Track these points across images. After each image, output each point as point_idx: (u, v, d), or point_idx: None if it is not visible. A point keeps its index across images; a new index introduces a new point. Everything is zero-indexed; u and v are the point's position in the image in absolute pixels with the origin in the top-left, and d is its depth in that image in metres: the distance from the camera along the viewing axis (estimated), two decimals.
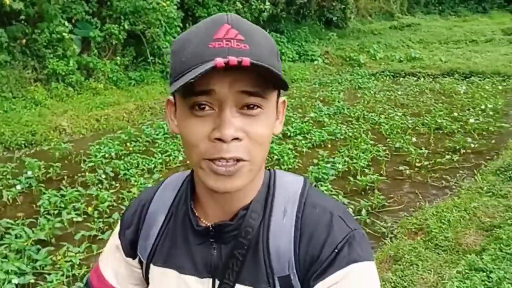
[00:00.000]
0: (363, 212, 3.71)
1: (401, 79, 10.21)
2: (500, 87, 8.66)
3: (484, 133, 5.91)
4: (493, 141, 5.58)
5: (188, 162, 0.68)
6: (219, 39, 0.60)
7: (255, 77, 0.59)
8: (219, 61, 0.55)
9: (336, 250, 0.65)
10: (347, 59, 12.41)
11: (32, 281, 3.01)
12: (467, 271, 2.32)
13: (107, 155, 5.51)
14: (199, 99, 0.61)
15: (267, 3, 11.70)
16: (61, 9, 8.62)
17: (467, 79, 9.53)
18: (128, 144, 6.03)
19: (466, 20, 20.38)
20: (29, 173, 4.94)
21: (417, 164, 4.89)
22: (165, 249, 0.76)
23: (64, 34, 8.48)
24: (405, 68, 10.93)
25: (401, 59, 12.26)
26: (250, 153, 0.63)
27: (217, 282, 0.71)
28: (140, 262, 0.80)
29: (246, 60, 0.55)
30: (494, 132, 5.98)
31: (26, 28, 8.33)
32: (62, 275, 3.00)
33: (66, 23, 8.62)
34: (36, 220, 3.79)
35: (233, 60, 0.55)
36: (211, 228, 0.70)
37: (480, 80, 9.35)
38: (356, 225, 0.70)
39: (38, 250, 3.33)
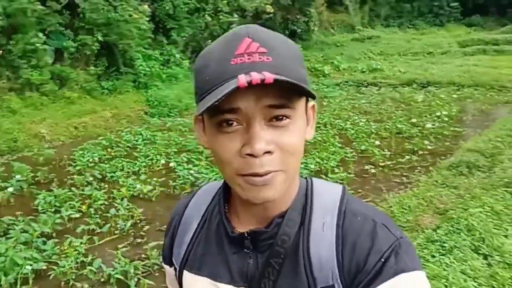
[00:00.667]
0: None
1: (364, 88, 11.01)
2: (454, 96, 9.58)
3: (439, 136, 6.66)
4: (447, 143, 6.32)
5: (222, 176, 0.69)
6: (241, 54, 0.60)
7: (280, 89, 0.59)
8: (242, 81, 0.56)
9: (383, 260, 0.64)
10: (312, 70, 13.14)
11: (44, 267, 3.33)
12: (425, 243, 2.88)
13: (91, 160, 5.81)
14: (226, 117, 0.61)
15: (235, 15, 12.26)
16: (35, 21, 8.79)
17: (424, 89, 10.44)
18: (109, 149, 6.35)
19: (424, 33, 21.77)
20: (18, 176, 5.18)
21: (380, 164, 5.53)
22: (198, 256, 0.77)
23: (38, 45, 8.65)
24: (367, 78, 11.77)
25: (363, 70, 13.13)
26: (283, 164, 0.63)
27: None
28: (175, 268, 0.81)
29: (270, 78, 0.56)
30: (448, 135, 6.74)
31: (2, 39, 8.46)
32: (72, 261, 3.33)
33: (41, 35, 8.80)
34: (36, 218, 4.08)
35: (256, 79, 0.56)
36: (246, 235, 0.70)
37: (436, 89, 10.27)
38: (401, 233, 0.68)
39: (44, 242, 3.64)
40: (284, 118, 0.61)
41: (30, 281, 3.25)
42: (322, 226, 0.69)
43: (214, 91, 0.59)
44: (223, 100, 0.57)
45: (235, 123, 0.61)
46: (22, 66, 8.63)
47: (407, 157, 5.69)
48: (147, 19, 10.02)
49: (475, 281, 2.52)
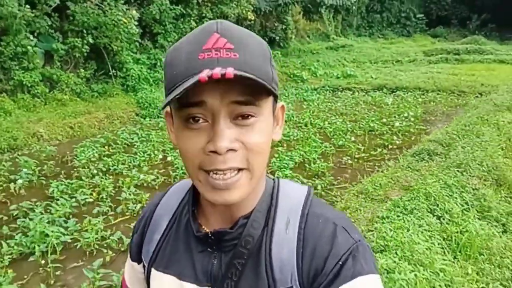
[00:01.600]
0: (319, 187, 4.95)
1: (339, 93, 11.87)
2: (420, 99, 10.52)
3: (406, 133, 7.49)
4: (412, 138, 7.15)
5: (187, 173, 0.68)
6: (208, 49, 0.60)
7: (246, 87, 0.60)
8: (202, 76, 0.56)
9: (340, 263, 0.65)
10: (291, 76, 13.93)
11: (69, 240, 3.85)
12: (391, 207, 3.58)
13: (92, 156, 6.30)
14: (192, 111, 0.62)
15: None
16: (25, 23, 9.17)
17: (393, 93, 11.37)
18: (107, 147, 6.86)
19: (393, 43, 23.06)
20: (25, 170, 5.63)
21: (356, 156, 6.27)
22: (166, 254, 0.77)
23: (28, 47, 9.03)
24: (342, 84, 12.63)
25: (338, 76, 14.02)
26: (248, 162, 0.63)
27: None
28: (144, 266, 0.82)
29: (230, 73, 0.56)
30: (414, 132, 7.58)
31: None
32: (93, 235, 3.87)
33: (31, 37, 9.19)
34: (51, 203, 4.58)
35: (216, 74, 0.56)
36: (210, 235, 0.71)
37: (404, 93, 11.21)
38: (360, 237, 0.70)
39: (65, 221, 4.15)
40: (250, 116, 0.62)
41: (58, 251, 3.77)
42: (285, 228, 0.70)
43: (181, 85, 0.60)
44: (189, 93, 0.57)
45: (201, 120, 0.62)
46: (13, 68, 9.00)
47: (379, 150, 6.48)
48: (136, 23, 10.51)
49: (429, 232, 3.25)
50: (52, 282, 3.38)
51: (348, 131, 7.63)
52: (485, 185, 4.33)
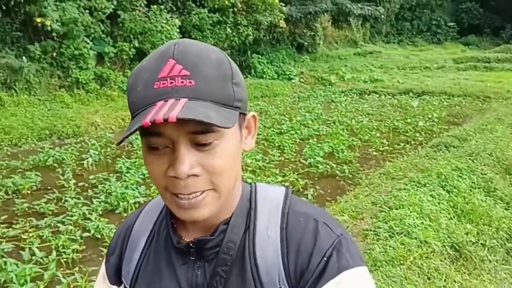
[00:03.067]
0: (346, 171, 5.80)
1: (366, 96, 12.65)
2: (445, 103, 11.21)
3: (429, 132, 8.24)
4: (434, 136, 7.88)
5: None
6: (164, 78, 0.61)
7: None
8: (145, 121, 0.57)
9: (325, 258, 0.67)
10: (320, 79, 14.80)
11: (142, 201, 4.83)
12: (408, 182, 4.40)
13: None
14: (152, 141, 0.63)
15: (250, 29, 13.90)
16: (83, 28, 10.38)
17: (419, 97, 12.07)
18: None
19: (422, 50, 23.64)
20: (91, 151, 6.69)
21: (380, 149, 7.08)
22: (148, 272, 0.77)
23: (84, 49, 10.25)
24: (369, 87, 13.42)
25: (365, 80, 14.80)
26: (212, 184, 0.64)
27: None
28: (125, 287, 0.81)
29: (172, 117, 0.56)
30: (436, 131, 8.31)
31: (55, 44, 10.03)
32: None
33: (88, 40, 10.40)
34: (121, 176, 5.58)
35: (159, 119, 0.56)
36: (191, 244, 0.72)
37: (430, 97, 11.90)
38: (342, 231, 0.71)
39: (136, 188, 5.14)
40: (209, 141, 0.62)
41: (135, 209, 4.74)
42: (267, 229, 0.71)
43: (139, 115, 0.61)
44: (149, 125, 0.57)
45: (160, 147, 0.63)
46: (71, 67, 10.23)
47: (402, 144, 7.26)
48: (177, 30, 11.64)
49: (438, 201, 4.06)
50: None
51: (374, 128, 8.43)
52: (493, 172, 5.09)
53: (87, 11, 10.27)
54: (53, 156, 6.50)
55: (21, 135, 7.66)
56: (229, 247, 0.71)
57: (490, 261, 3.50)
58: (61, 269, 3.65)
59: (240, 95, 0.66)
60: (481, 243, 3.65)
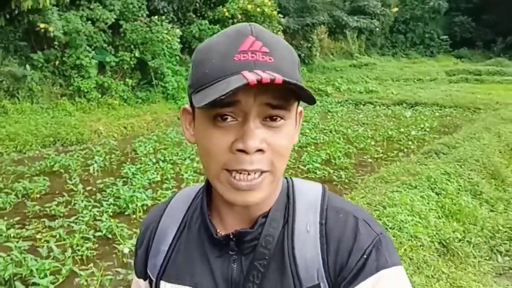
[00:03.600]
0: (343, 176, 6.15)
1: (362, 106, 13.09)
2: (437, 114, 11.65)
3: (421, 140, 8.63)
4: (426, 144, 8.27)
5: (206, 172, 0.70)
6: (244, 51, 0.62)
7: (280, 90, 0.61)
8: (252, 78, 0.57)
9: (365, 256, 0.68)
10: (316, 90, 15.23)
11: (149, 204, 5.13)
12: (400, 185, 4.76)
13: (149, 149, 7.64)
14: (224, 110, 0.62)
15: None
16: (85, 38, 10.73)
17: (412, 108, 12.52)
18: (159, 143, 8.20)
19: (415, 62, 24.22)
20: (96, 158, 7.00)
21: (375, 156, 7.46)
22: (178, 264, 0.77)
23: (86, 58, 10.58)
24: (364, 98, 13.87)
25: (361, 91, 15.26)
26: (272, 165, 0.65)
27: None
28: (150, 281, 0.80)
29: (279, 78, 0.57)
30: (428, 140, 8.69)
31: (57, 53, 10.36)
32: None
33: (89, 50, 10.74)
34: (127, 181, 5.89)
35: (266, 79, 0.57)
36: (231, 236, 0.72)
37: (422, 108, 12.36)
38: (381, 229, 0.72)
39: (143, 192, 5.44)
40: (279, 118, 0.64)
41: (142, 211, 5.05)
42: (306, 225, 0.71)
43: (215, 84, 0.61)
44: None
45: (229, 118, 0.63)
46: (73, 76, 10.55)
47: (395, 152, 7.64)
48: (178, 40, 12.03)
49: (428, 202, 4.41)
50: None
51: (369, 137, 8.81)
52: (480, 176, 5.46)
53: (89, 21, 10.64)
54: (59, 162, 6.80)
55: (25, 142, 7.95)
56: (267, 241, 0.71)
57: (475, 257, 3.84)
58: (77, 265, 3.94)
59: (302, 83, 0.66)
60: (466, 240, 3.99)
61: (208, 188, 0.77)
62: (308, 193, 0.76)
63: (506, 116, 8.71)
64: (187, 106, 0.73)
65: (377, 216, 3.83)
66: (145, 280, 0.83)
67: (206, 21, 12.85)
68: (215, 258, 0.73)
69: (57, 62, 10.40)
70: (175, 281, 0.76)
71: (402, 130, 9.41)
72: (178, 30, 11.94)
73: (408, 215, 3.87)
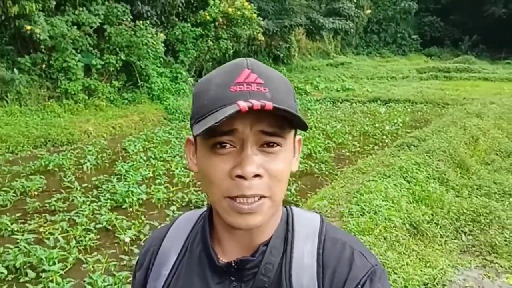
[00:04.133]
0: (324, 169, 6.53)
1: (339, 104, 13.56)
2: (409, 109, 12.21)
3: (394, 135, 9.11)
4: (399, 139, 8.74)
5: (209, 199, 0.72)
6: (240, 83, 0.65)
7: (274, 118, 0.63)
8: (243, 105, 0.60)
9: (359, 286, 0.69)
10: (296, 89, 15.61)
11: (145, 198, 5.39)
12: (375, 174, 5.16)
13: (139, 148, 7.87)
14: (223, 139, 0.65)
15: (229, 42, 14.61)
16: (71, 41, 10.81)
17: (386, 104, 13.06)
18: (148, 142, 8.43)
19: (389, 61, 24.96)
20: (88, 156, 7.19)
21: (352, 150, 7.87)
22: None
23: (72, 61, 10.68)
24: (341, 96, 14.34)
25: (338, 89, 15.74)
26: (270, 190, 0.67)
27: None
28: None
29: (269, 105, 0.60)
30: (401, 134, 9.18)
31: (44, 56, 10.43)
32: (162, 194, 5.40)
33: (75, 53, 10.84)
34: (121, 177, 6.12)
35: (257, 105, 0.59)
36: (233, 264, 0.72)
37: (395, 105, 12.90)
38: (376, 261, 0.74)
39: (137, 187, 5.69)
40: (275, 145, 0.66)
41: (138, 205, 5.31)
42: (303, 254, 0.73)
43: (212, 114, 0.64)
44: (223, 122, 0.60)
45: (228, 145, 0.66)
46: (60, 78, 10.64)
47: (371, 146, 8.08)
48: (162, 43, 12.21)
49: (400, 189, 4.81)
50: (141, 221, 4.91)
51: (347, 132, 9.24)
52: (447, 166, 5.91)
53: (75, 26, 10.73)
54: (53, 161, 6.97)
55: (17, 143, 8.07)
56: (267, 269, 0.71)
57: (441, 236, 4.25)
58: (81, 254, 4.19)
59: (297, 112, 0.67)
60: (434, 222, 4.40)
61: (209, 215, 0.78)
62: (307, 222, 0.77)
63: (472, 110, 9.25)
64: (191, 137, 0.75)
65: (355, 202, 4.20)
66: None
67: (189, 24, 13.06)
68: (215, 285, 0.74)
69: (44, 66, 10.45)
70: None
71: (377, 125, 9.88)
72: (162, 35, 12.12)
73: (382, 201, 4.25)
